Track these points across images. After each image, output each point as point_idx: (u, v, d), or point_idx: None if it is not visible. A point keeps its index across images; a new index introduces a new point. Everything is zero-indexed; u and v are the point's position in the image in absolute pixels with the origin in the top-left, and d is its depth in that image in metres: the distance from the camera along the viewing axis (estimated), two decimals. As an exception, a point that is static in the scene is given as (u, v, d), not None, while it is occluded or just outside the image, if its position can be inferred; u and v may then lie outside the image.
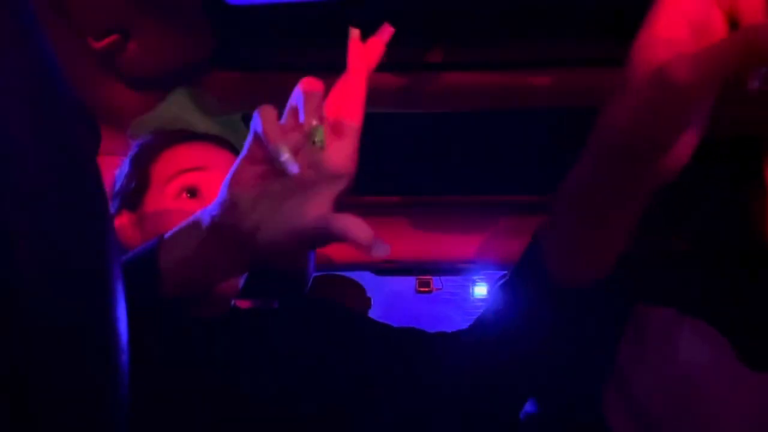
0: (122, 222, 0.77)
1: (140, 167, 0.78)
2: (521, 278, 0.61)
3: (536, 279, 0.58)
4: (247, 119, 1.27)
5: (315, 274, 1.44)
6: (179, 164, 0.76)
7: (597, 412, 0.74)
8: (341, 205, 0.50)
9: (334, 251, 1.65)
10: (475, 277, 4.74)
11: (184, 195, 0.74)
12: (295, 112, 0.49)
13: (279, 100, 1.16)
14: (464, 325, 0.73)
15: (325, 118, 0.49)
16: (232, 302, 0.81)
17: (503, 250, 1.51)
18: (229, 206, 0.48)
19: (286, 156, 0.45)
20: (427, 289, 4.12)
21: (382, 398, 0.72)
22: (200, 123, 1.10)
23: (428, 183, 1.53)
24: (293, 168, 0.45)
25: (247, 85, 1.06)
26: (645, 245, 0.82)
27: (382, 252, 0.46)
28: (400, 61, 0.98)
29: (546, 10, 0.87)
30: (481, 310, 0.69)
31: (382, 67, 1.05)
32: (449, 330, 0.77)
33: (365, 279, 2.35)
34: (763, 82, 0.38)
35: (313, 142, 0.47)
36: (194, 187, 0.74)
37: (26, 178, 0.27)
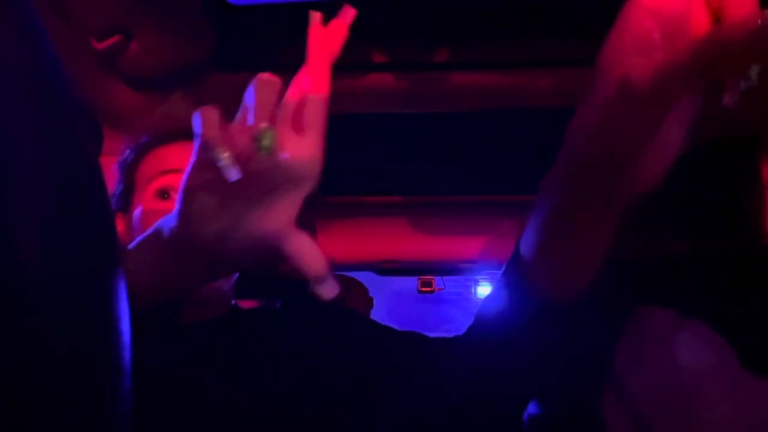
0: (117, 224, 0.78)
1: (127, 170, 0.79)
2: (506, 289, 0.59)
3: (519, 292, 0.56)
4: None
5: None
6: (160, 165, 0.76)
7: (596, 413, 0.74)
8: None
9: (336, 251, 1.65)
10: (478, 277, 4.73)
11: (164, 196, 0.74)
12: (247, 112, 0.45)
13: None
14: (465, 325, 0.73)
15: (278, 119, 0.44)
16: (233, 302, 0.81)
17: (504, 249, 1.51)
18: (185, 217, 0.45)
19: (224, 161, 0.41)
20: (429, 289, 4.10)
21: (383, 400, 0.71)
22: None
23: (428, 183, 1.53)
24: (232, 174, 0.41)
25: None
26: (643, 248, 0.81)
27: (328, 292, 0.43)
28: (401, 61, 0.98)
29: (546, 10, 0.87)
30: (475, 315, 0.69)
31: (383, 67, 1.05)
32: (453, 329, 0.77)
33: (367, 279, 2.35)
34: (740, 95, 0.34)
35: (260, 148, 0.41)
36: (172, 189, 0.74)
37: (27, 179, 0.27)
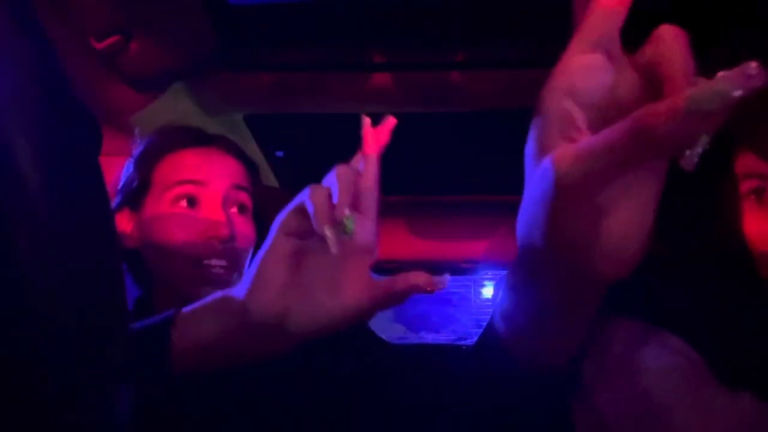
0: (123, 219, 0.78)
1: (143, 169, 0.79)
2: (484, 360, 0.58)
3: (498, 367, 0.55)
4: (247, 119, 1.27)
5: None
6: (180, 174, 0.76)
7: (568, 428, 0.72)
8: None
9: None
10: (482, 278, 4.73)
11: (183, 203, 0.75)
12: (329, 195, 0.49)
13: (279, 101, 1.16)
14: (469, 325, 0.72)
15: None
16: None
17: (504, 249, 1.51)
18: (260, 285, 0.48)
19: (331, 238, 0.46)
20: (428, 289, 4.12)
21: (383, 406, 0.71)
22: (202, 124, 1.10)
23: (428, 183, 1.53)
24: (335, 247, 0.46)
25: (247, 85, 1.06)
26: None
27: (443, 283, 0.49)
28: (401, 62, 0.98)
29: (546, 11, 0.87)
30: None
31: (383, 67, 1.05)
32: (453, 330, 0.77)
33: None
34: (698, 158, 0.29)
35: (344, 231, 0.47)
36: (193, 197, 0.75)
37: (26, 179, 0.27)
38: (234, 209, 0.77)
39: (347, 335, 0.79)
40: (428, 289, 0.49)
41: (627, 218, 0.34)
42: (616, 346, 0.71)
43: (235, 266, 0.76)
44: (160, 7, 0.87)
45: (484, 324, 0.67)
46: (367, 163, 0.52)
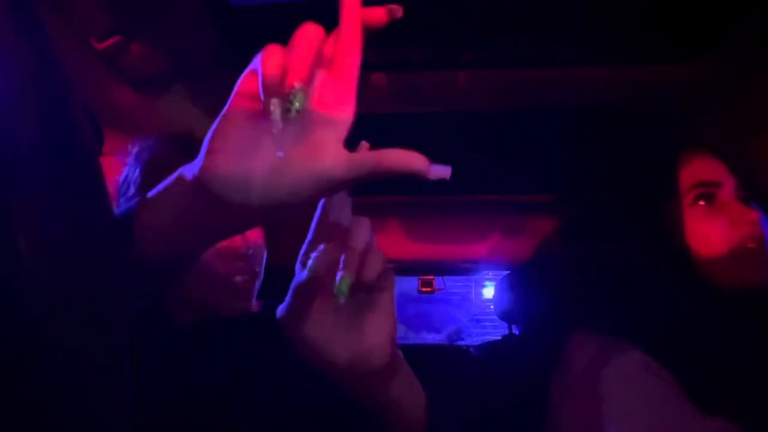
0: None
1: (146, 189, 0.77)
2: None
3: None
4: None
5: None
6: None
7: None
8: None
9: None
10: (482, 278, 4.73)
11: None
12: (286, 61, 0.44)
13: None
14: (469, 325, 0.73)
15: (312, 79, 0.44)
16: (253, 301, 0.81)
17: (504, 249, 1.51)
18: (216, 151, 0.42)
19: (274, 114, 0.40)
20: (429, 289, 4.11)
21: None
22: (203, 125, 1.10)
23: (428, 183, 1.53)
24: (276, 127, 0.41)
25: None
26: (569, 253, 0.79)
27: (442, 173, 0.43)
28: (401, 62, 0.98)
29: (546, 10, 0.87)
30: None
31: (383, 67, 1.05)
32: (453, 330, 0.77)
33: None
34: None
35: (290, 109, 0.41)
36: None
37: (29, 179, 0.27)
38: None
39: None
40: (423, 175, 0.42)
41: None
42: (577, 363, 0.70)
43: (255, 276, 0.78)
44: (162, 8, 0.87)
45: (484, 323, 0.67)
46: (345, 11, 0.46)
